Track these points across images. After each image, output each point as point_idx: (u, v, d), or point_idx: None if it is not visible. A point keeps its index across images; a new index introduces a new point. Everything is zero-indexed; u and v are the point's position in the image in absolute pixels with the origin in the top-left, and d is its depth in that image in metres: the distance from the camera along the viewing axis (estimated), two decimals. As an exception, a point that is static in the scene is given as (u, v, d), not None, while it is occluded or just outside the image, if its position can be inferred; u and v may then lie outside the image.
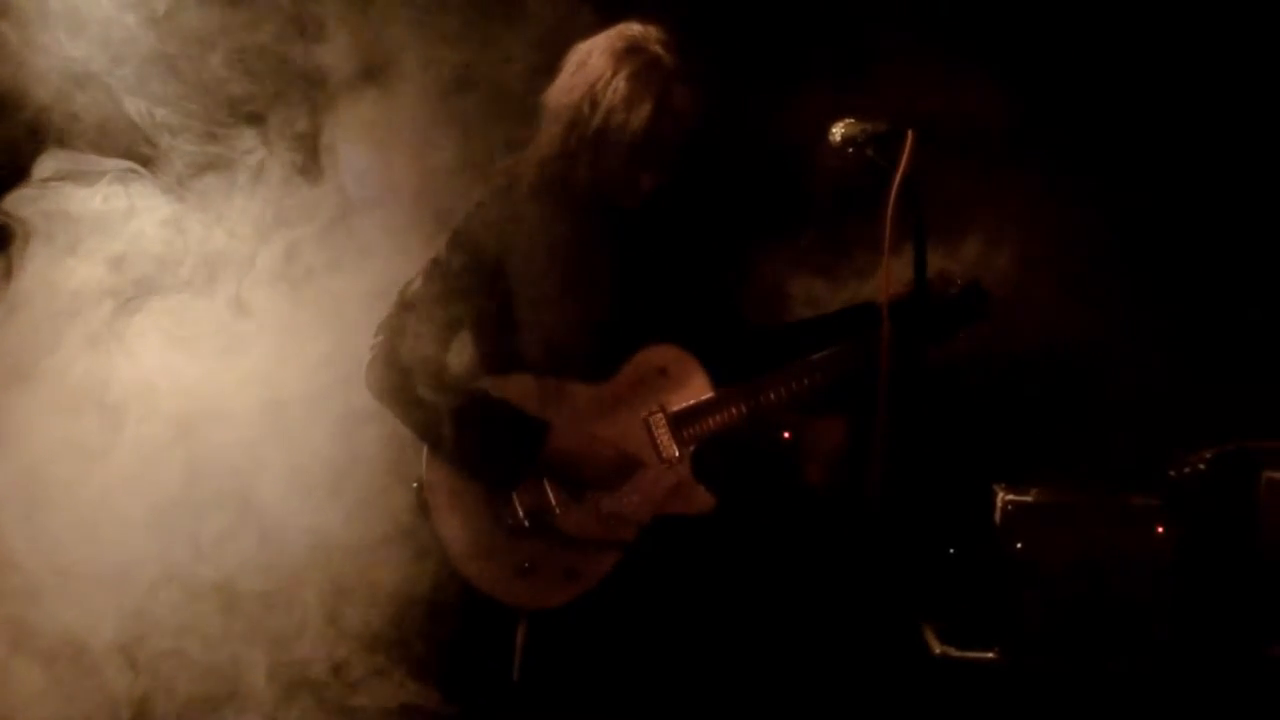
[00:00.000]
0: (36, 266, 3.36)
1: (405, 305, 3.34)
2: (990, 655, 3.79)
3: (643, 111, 3.24)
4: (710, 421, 3.40)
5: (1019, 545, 3.76)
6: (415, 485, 3.34)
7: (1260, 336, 4.21)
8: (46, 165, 3.45)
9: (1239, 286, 4.23)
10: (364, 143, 3.58)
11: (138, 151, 3.50)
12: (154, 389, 3.40)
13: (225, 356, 3.44)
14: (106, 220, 3.41)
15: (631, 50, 3.27)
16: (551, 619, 3.31)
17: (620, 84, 3.24)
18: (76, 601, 3.35)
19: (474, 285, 3.33)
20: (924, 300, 3.05)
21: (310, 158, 3.52)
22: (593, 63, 3.27)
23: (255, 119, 3.51)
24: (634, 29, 3.31)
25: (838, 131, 3.08)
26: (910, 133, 2.92)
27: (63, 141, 3.46)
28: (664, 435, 3.39)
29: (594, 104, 3.25)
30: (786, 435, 4.07)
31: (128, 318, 3.39)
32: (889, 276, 2.94)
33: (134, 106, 3.48)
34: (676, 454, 3.38)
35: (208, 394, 3.43)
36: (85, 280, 3.38)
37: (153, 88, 3.49)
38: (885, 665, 3.29)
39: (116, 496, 3.35)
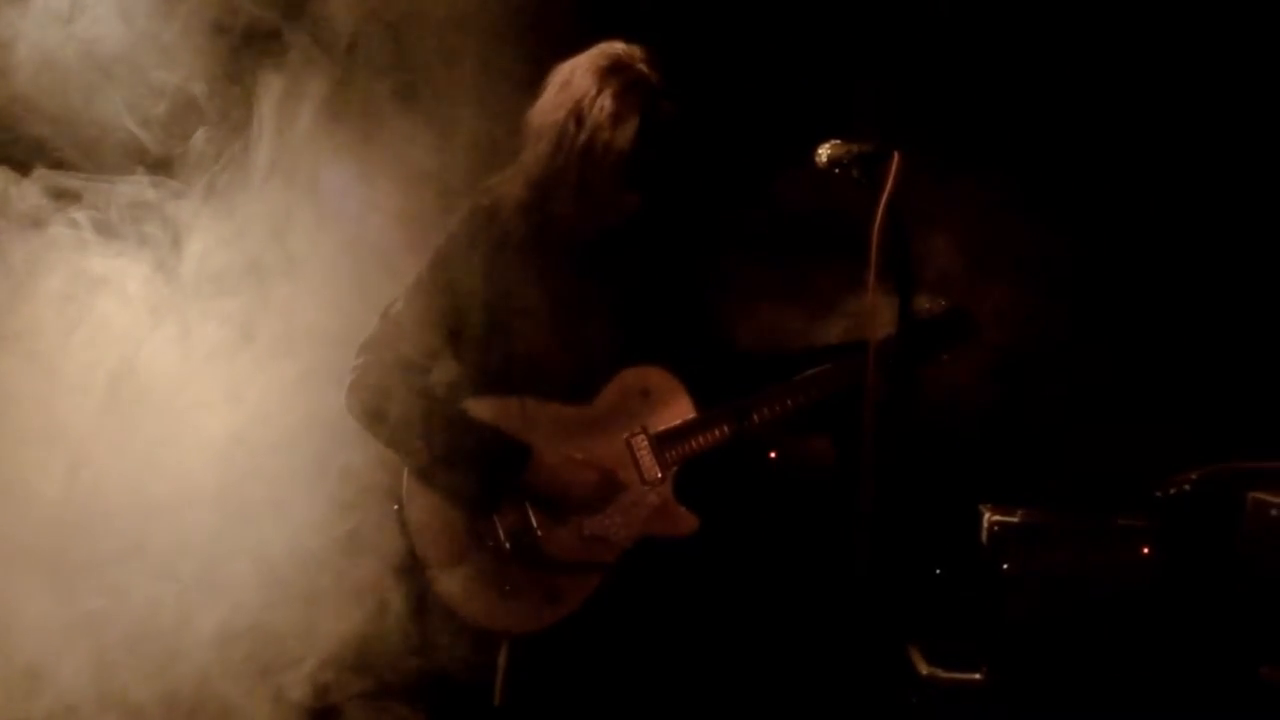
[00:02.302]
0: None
1: (388, 327, 3.33)
2: (977, 676, 3.78)
3: (629, 129, 3.23)
4: (693, 442, 3.39)
5: (1006, 566, 3.75)
6: (395, 508, 3.32)
7: (1246, 356, 4.20)
8: (33, 187, 3.42)
9: (1227, 306, 4.23)
10: (345, 160, 3.56)
11: (105, 163, 3.48)
12: (113, 408, 3.36)
13: (201, 376, 3.41)
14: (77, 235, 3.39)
15: (616, 68, 3.27)
16: (533, 642, 3.30)
17: (606, 101, 3.23)
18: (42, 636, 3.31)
19: (457, 306, 3.32)
20: (908, 322, 3.04)
21: (290, 175, 3.49)
22: (577, 81, 3.27)
23: (229, 134, 3.47)
24: (617, 48, 3.31)
25: (824, 152, 3.07)
26: (896, 153, 2.91)
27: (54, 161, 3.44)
28: (646, 456, 3.38)
29: (580, 121, 3.24)
30: (772, 455, 4.05)
31: (89, 337, 3.36)
32: (875, 298, 2.93)
33: (106, 118, 3.46)
34: (659, 475, 3.38)
35: (178, 414, 3.40)
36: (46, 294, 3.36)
37: (124, 99, 3.46)
38: (872, 686, 3.28)
39: (87, 525, 3.32)
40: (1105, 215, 4.22)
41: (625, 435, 3.38)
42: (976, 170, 4.05)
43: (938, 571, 4.05)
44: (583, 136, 3.24)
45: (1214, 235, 4.22)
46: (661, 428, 3.39)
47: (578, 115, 3.25)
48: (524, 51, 3.60)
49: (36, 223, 3.40)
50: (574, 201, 3.28)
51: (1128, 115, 4.23)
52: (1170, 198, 4.22)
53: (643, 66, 3.28)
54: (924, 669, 3.84)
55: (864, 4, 4.18)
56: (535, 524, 3.30)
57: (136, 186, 3.47)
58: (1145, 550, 3.72)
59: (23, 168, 3.43)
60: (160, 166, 3.51)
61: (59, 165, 3.46)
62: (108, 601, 3.37)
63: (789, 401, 3.42)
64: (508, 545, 3.28)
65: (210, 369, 3.45)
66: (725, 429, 3.40)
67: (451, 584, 3.26)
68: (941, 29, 4.17)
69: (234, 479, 3.46)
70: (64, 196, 3.42)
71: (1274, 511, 3.53)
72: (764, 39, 4.21)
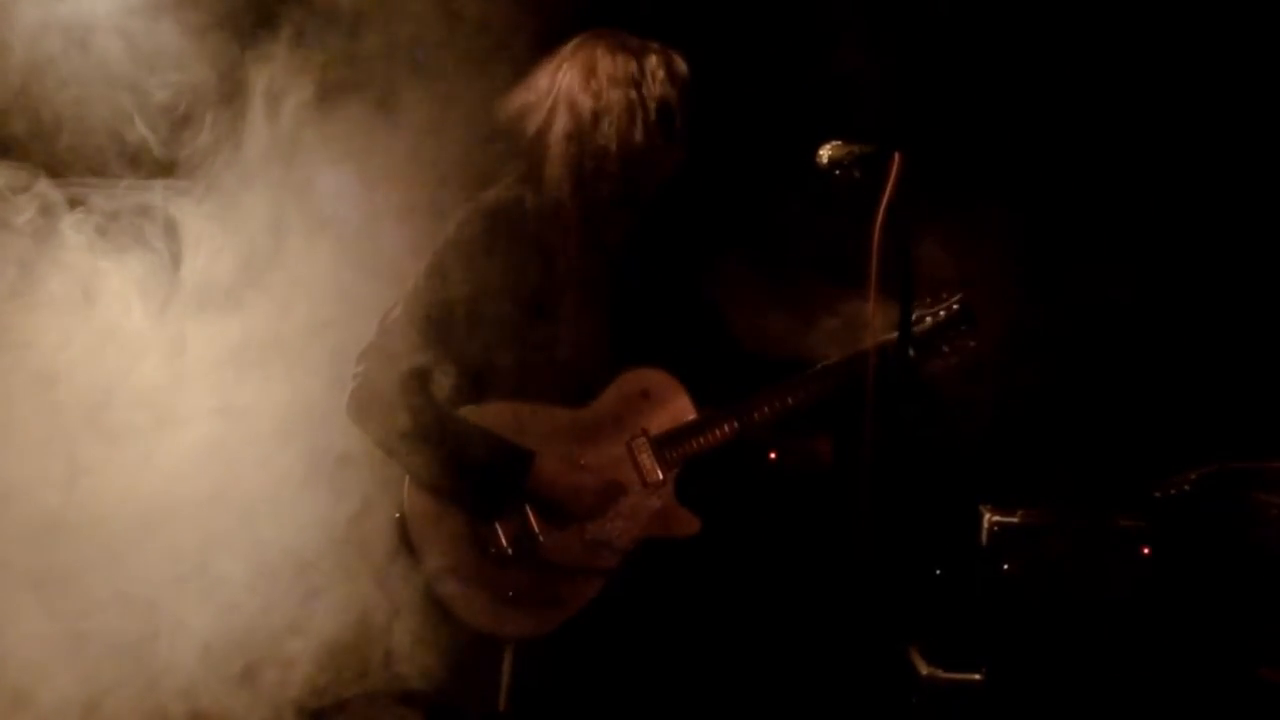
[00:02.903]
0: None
1: (387, 333, 3.32)
2: (977, 676, 3.78)
3: (682, 76, 3.33)
4: (694, 443, 3.39)
5: (1005, 566, 3.75)
6: (397, 515, 3.31)
7: (1245, 357, 4.21)
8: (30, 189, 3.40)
9: (1227, 306, 4.23)
10: (341, 161, 3.54)
11: (101, 161, 3.46)
12: (114, 416, 3.35)
13: (200, 379, 3.39)
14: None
15: (625, 44, 3.34)
16: (537, 647, 3.29)
17: (654, 66, 3.30)
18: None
19: (455, 312, 3.31)
20: (909, 317, 3.03)
21: (286, 170, 3.47)
22: (604, 65, 3.31)
23: (225, 130, 3.45)
24: (598, 32, 3.35)
25: (825, 153, 3.07)
26: (897, 154, 2.91)
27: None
28: (647, 459, 3.37)
29: (640, 91, 3.29)
30: (772, 455, 4.05)
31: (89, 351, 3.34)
32: (876, 297, 2.93)
33: (103, 114, 3.44)
34: (660, 477, 3.37)
35: (178, 422, 3.38)
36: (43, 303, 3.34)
37: (114, 103, 3.44)
38: (872, 687, 3.28)
39: (81, 534, 3.29)
40: (1106, 215, 4.23)
41: (626, 438, 3.38)
42: (977, 170, 4.06)
43: (938, 572, 4.05)
44: (651, 102, 3.29)
45: (1216, 235, 4.23)
46: (662, 430, 3.39)
47: (636, 86, 3.29)
48: (521, 50, 3.59)
49: (34, 227, 3.38)
50: (663, 166, 3.34)
51: (1131, 114, 4.23)
52: (1171, 197, 4.23)
53: (634, 39, 3.36)
54: (924, 669, 3.84)
55: (865, 5, 4.18)
56: (537, 529, 3.29)
57: (133, 188, 3.44)
58: (1145, 550, 3.72)
59: (17, 170, 3.42)
60: (157, 164, 3.49)
61: (55, 165, 3.44)
62: (99, 611, 3.35)
63: (789, 399, 3.41)
64: (510, 550, 3.28)
65: (209, 371, 3.43)
66: (726, 428, 3.40)
67: (454, 589, 3.25)
68: (942, 30, 4.17)
69: (236, 483, 3.44)
70: (61, 199, 3.40)
71: (1274, 511, 3.54)
72: (766, 41, 4.21)
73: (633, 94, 3.28)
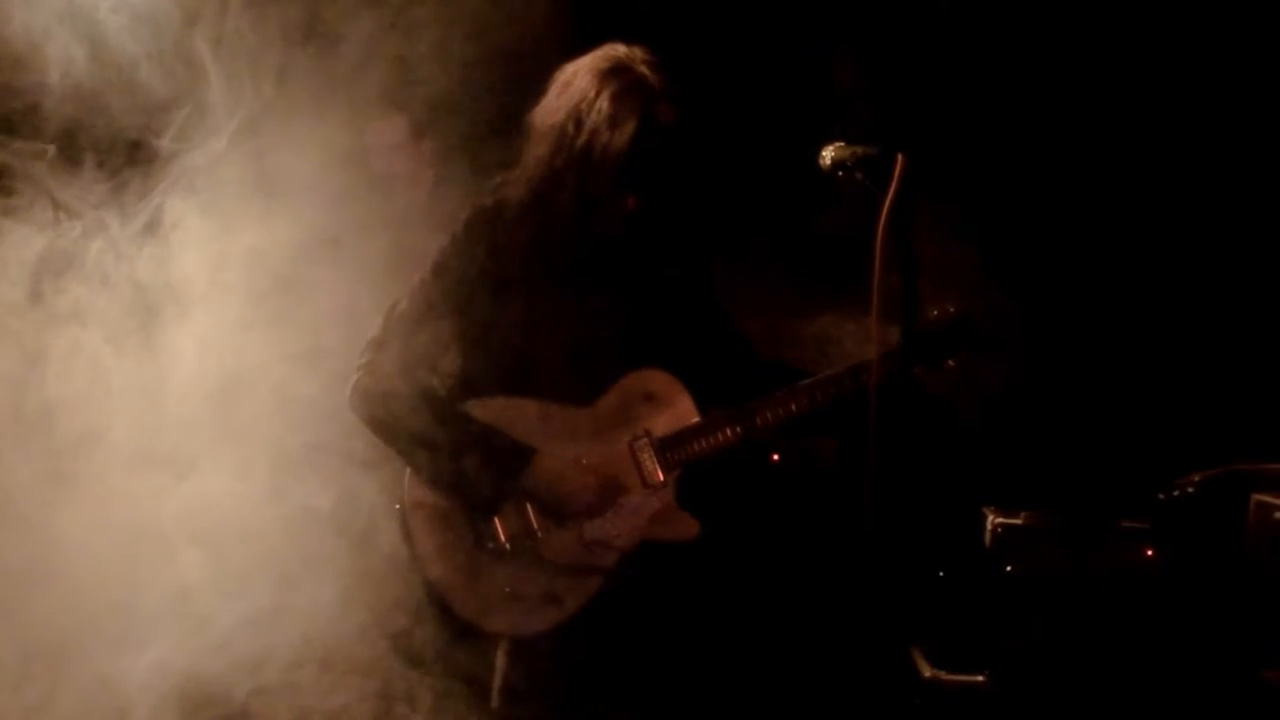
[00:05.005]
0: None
1: (392, 326, 3.32)
2: (980, 679, 3.78)
3: (626, 130, 3.21)
4: (696, 446, 3.39)
5: (1009, 568, 3.75)
6: (397, 507, 3.33)
7: (1249, 359, 4.21)
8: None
9: (1231, 308, 4.23)
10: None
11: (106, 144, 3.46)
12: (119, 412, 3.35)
13: (201, 370, 3.39)
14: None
15: (616, 70, 3.26)
16: (532, 644, 3.29)
17: (604, 104, 3.22)
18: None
19: (461, 307, 3.31)
20: (914, 328, 3.02)
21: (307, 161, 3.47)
22: (577, 83, 3.26)
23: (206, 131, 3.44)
24: (619, 50, 3.29)
25: (828, 155, 3.05)
26: (900, 156, 2.90)
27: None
28: (649, 460, 3.37)
29: (578, 124, 3.23)
30: (775, 457, 4.05)
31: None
32: (878, 301, 2.92)
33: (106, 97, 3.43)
34: (661, 478, 3.37)
35: (171, 415, 3.38)
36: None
37: (127, 80, 3.43)
38: (875, 689, 3.28)
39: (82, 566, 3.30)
40: (1110, 219, 4.23)
41: (628, 439, 3.37)
42: (977, 173, 4.05)
43: (941, 573, 4.05)
44: (581, 139, 3.23)
45: (1218, 238, 4.23)
46: (664, 431, 3.39)
47: (576, 118, 3.24)
48: (524, 51, 3.59)
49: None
50: (572, 204, 3.27)
51: (1132, 117, 4.23)
52: (1174, 201, 4.23)
53: (643, 69, 3.26)
54: (927, 671, 3.84)
55: (867, 6, 4.18)
56: (536, 526, 3.30)
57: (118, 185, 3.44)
58: (1148, 552, 3.72)
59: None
60: (146, 160, 3.49)
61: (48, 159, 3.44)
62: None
63: (793, 406, 3.40)
64: (508, 546, 3.28)
65: (207, 381, 3.43)
66: (728, 433, 3.39)
67: (451, 585, 3.25)
68: (942, 30, 4.17)
69: (229, 480, 3.45)
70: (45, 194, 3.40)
71: (1277, 514, 3.53)
72: (771, 43, 4.21)
73: (570, 127, 3.22)
